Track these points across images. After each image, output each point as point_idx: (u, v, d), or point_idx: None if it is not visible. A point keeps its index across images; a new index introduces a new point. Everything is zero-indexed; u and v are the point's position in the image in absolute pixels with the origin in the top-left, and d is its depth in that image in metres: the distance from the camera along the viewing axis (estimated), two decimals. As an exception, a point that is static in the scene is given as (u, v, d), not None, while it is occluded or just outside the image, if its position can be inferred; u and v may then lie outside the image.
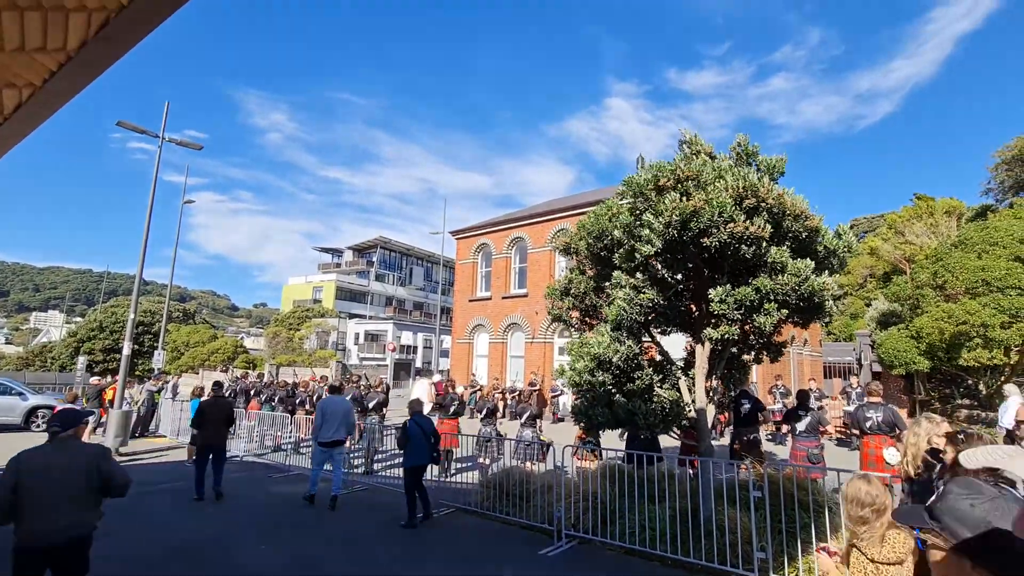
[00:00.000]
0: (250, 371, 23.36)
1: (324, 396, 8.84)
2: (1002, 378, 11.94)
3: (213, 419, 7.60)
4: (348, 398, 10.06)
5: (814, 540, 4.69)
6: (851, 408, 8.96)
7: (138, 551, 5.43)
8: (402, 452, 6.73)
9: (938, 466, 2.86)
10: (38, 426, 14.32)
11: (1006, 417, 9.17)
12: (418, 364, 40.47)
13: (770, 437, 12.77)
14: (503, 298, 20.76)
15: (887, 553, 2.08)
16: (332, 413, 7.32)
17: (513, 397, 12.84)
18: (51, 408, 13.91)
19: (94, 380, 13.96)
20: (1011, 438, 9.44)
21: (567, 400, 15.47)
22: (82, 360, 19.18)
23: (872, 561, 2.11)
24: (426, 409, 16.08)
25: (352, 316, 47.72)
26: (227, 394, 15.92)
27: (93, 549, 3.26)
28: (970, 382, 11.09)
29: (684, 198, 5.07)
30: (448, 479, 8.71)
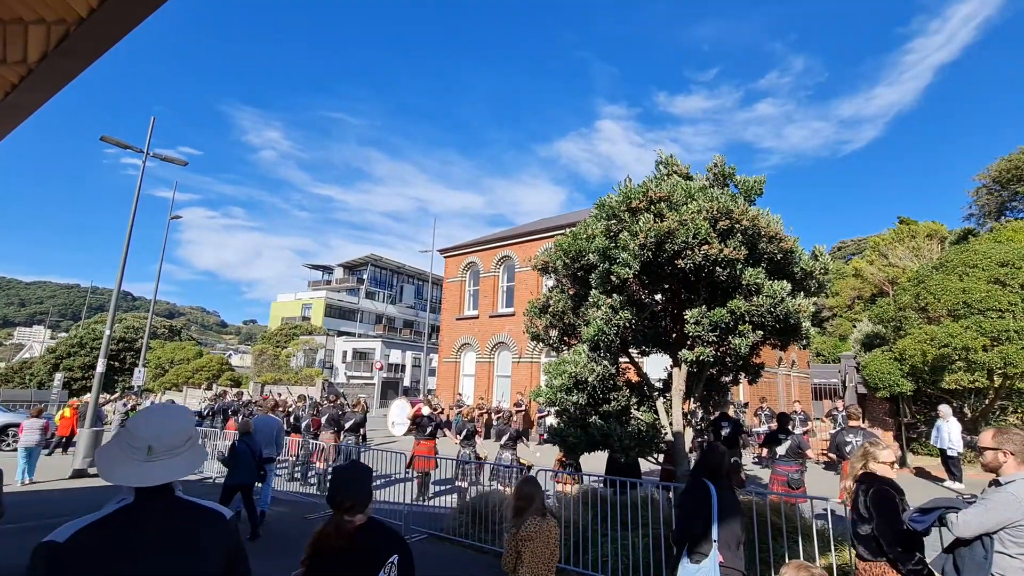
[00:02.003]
0: (229, 390, 22.91)
1: (256, 415, 9.08)
2: (986, 401, 11.98)
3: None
4: (325, 418, 9.85)
5: (790, 570, 4.56)
6: (835, 432, 8.97)
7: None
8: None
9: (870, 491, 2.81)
10: (8, 444, 13.87)
11: (941, 438, 9.42)
12: (406, 383, 39.96)
13: (756, 460, 12.61)
14: (490, 317, 20.65)
15: None
16: (262, 432, 7.36)
17: (499, 417, 12.64)
18: (18, 426, 13.49)
19: (86, 398, 13.68)
20: (946, 458, 9.60)
21: (553, 421, 15.28)
22: (59, 377, 18.69)
23: None
24: (401, 430, 15.79)
25: (341, 334, 47.22)
26: (205, 412, 15.56)
27: None
28: (955, 404, 11.08)
29: (658, 219, 5.09)
30: (425, 503, 8.46)
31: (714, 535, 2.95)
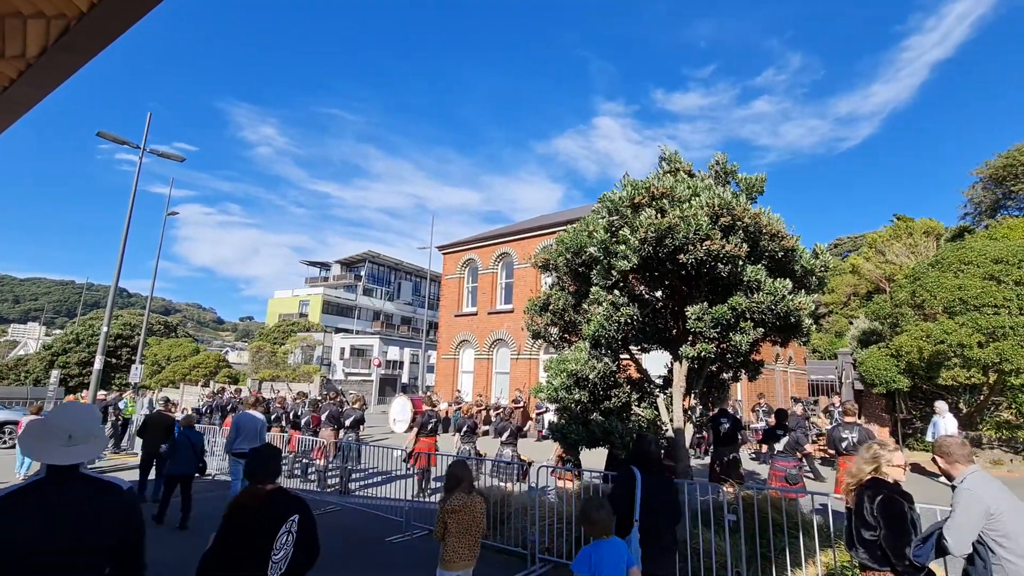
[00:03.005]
0: (228, 387, 22.86)
1: (239, 411, 9.23)
2: (981, 397, 12.08)
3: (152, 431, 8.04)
4: (325, 415, 9.85)
5: (789, 565, 4.60)
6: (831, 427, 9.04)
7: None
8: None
9: (880, 497, 2.78)
10: (4, 442, 13.82)
11: (937, 434, 9.58)
12: (404, 380, 39.96)
13: (754, 456, 12.69)
14: (489, 313, 20.65)
15: None
16: (245, 427, 7.53)
17: (497, 414, 12.67)
18: (15, 423, 13.42)
19: (100, 395, 13.68)
20: None
21: (553, 418, 15.32)
22: (55, 374, 18.61)
23: None
24: (402, 427, 15.79)
25: (339, 330, 47.16)
26: (204, 409, 15.53)
27: None
28: (950, 401, 11.17)
29: (659, 215, 5.09)
30: (425, 499, 8.49)
31: (636, 515, 3.18)
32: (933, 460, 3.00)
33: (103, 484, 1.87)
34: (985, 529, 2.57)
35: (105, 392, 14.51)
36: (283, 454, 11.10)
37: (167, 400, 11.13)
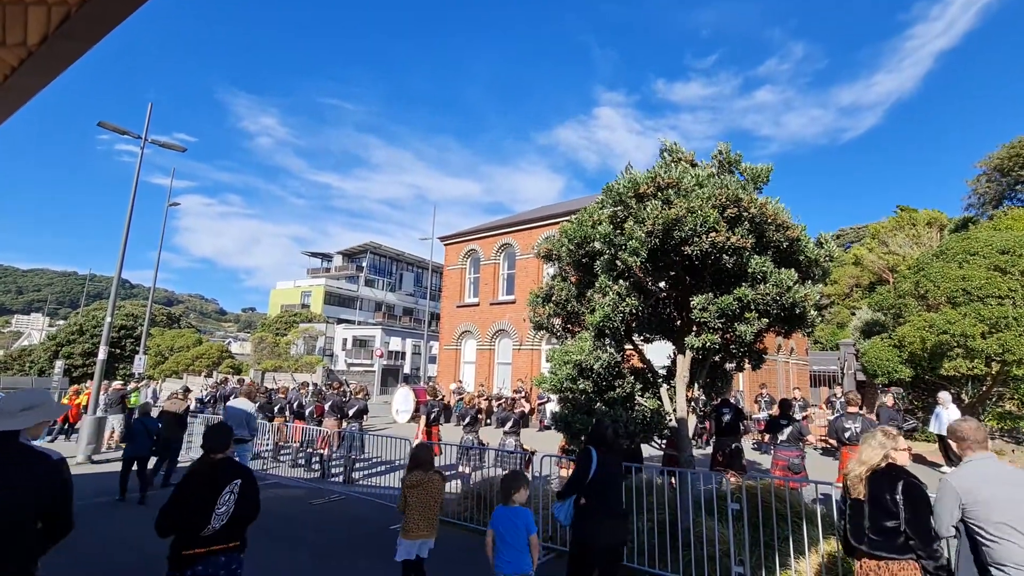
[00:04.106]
0: (231, 377, 22.98)
1: (231, 400, 9.84)
2: (983, 388, 12.10)
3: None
4: (328, 405, 9.91)
5: (792, 553, 4.63)
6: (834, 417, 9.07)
7: (98, 566, 5.21)
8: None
9: (900, 483, 2.79)
10: None
11: (940, 425, 9.57)
12: (406, 370, 40.12)
13: (756, 446, 12.75)
14: (491, 304, 20.65)
15: None
16: (234, 416, 8.01)
17: (499, 404, 12.75)
18: None
19: (117, 385, 13.81)
20: (945, 444, 9.79)
21: (554, 407, 15.38)
22: (60, 364, 18.70)
23: None
24: (405, 417, 15.87)
25: (341, 321, 47.25)
26: (206, 400, 15.62)
27: (51, 564, 3.16)
28: (952, 391, 11.19)
29: (665, 206, 5.05)
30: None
31: (587, 481, 3.83)
32: (944, 448, 3.05)
33: (36, 453, 2.29)
34: (964, 516, 2.65)
35: (122, 383, 14.64)
36: (287, 444, 11.19)
37: (187, 389, 12.04)
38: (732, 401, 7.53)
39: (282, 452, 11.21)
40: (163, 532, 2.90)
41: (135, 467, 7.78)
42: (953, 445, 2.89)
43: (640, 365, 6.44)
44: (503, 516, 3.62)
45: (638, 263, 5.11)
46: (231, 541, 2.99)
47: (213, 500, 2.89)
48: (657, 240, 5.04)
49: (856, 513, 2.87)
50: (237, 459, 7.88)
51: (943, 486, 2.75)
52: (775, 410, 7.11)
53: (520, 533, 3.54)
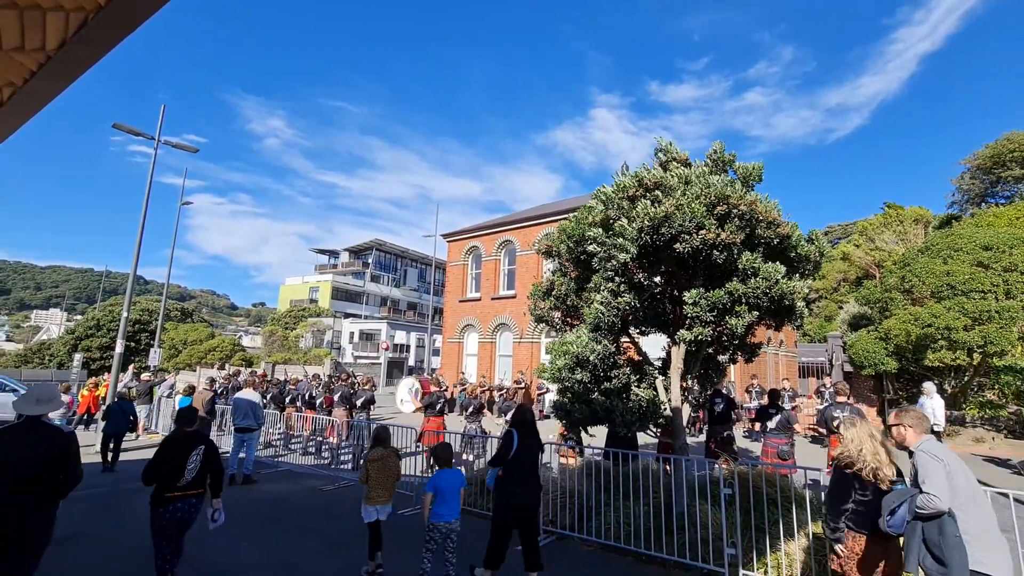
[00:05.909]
0: (243, 369, 23.43)
1: (239, 392, 10.18)
2: (965, 378, 12.20)
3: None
4: (337, 396, 10.17)
5: (782, 536, 4.78)
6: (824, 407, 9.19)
7: (118, 550, 5.47)
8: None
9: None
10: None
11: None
12: (411, 363, 40.58)
13: (746, 434, 12.91)
14: (492, 299, 20.93)
15: None
16: (240, 406, 8.66)
17: (501, 394, 12.97)
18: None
19: (145, 376, 14.31)
20: (937, 436, 9.83)
21: (554, 397, 15.57)
22: (78, 358, 19.20)
23: None
24: (410, 408, 16.16)
25: (347, 316, 47.78)
26: (219, 391, 16.00)
27: (73, 548, 3.50)
28: (936, 382, 11.35)
29: (655, 205, 5.18)
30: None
31: (509, 456, 4.57)
32: (897, 425, 3.21)
33: (54, 428, 3.58)
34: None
35: (151, 373, 15.09)
36: (297, 433, 11.49)
37: (212, 380, 13.86)
38: (724, 391, 7.66)
39: (293, 441, 11.53)
40: (148, 481, 3.99)
41: (112, 444, 9.42)
42: (910, 431, 3.16)
43: (636, 357, 6.58)
44: (447, 478, 4.44)
45: (630, 259, 5.25)
46: (198, 488, 4.14)
47: (184, 459, 4.04)
48: (648, 237, 5.17)
49: (868, 501, 3.11)
50: (243, 443, 8.71)
51: (928, 459, 2.88)
52: (765, 400, 7.23)
53: (457, 489, 4.48)
